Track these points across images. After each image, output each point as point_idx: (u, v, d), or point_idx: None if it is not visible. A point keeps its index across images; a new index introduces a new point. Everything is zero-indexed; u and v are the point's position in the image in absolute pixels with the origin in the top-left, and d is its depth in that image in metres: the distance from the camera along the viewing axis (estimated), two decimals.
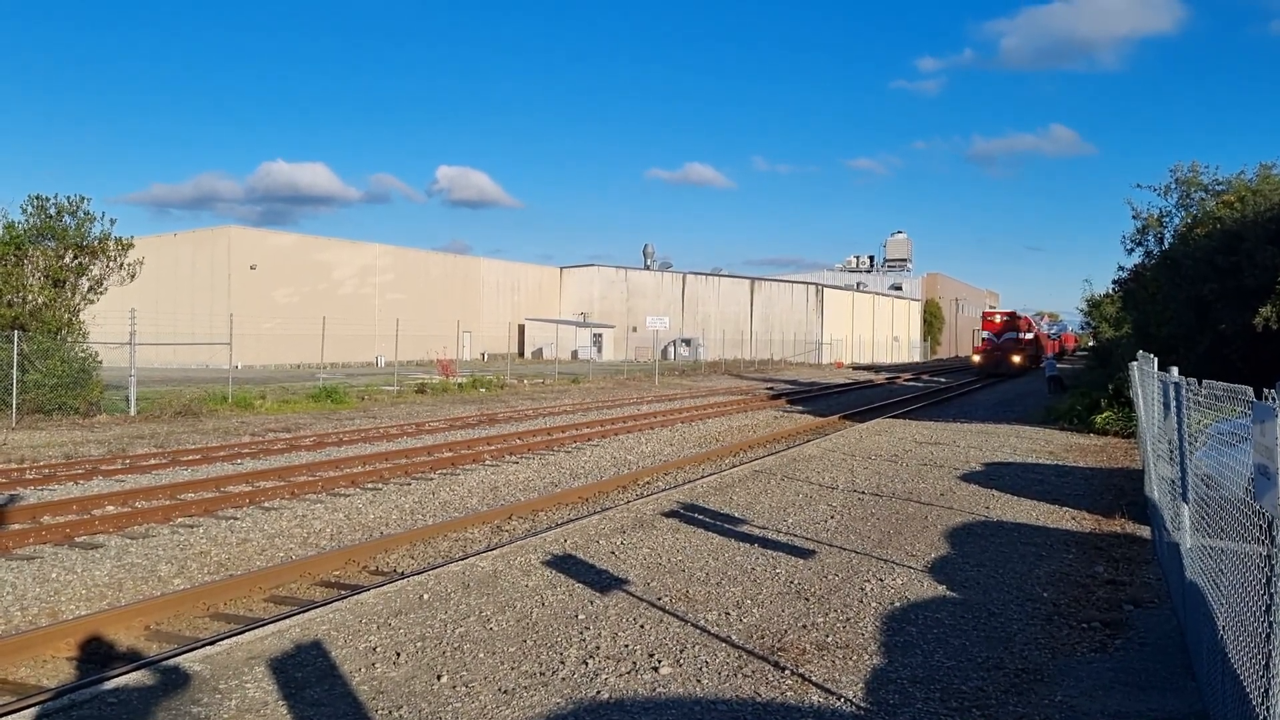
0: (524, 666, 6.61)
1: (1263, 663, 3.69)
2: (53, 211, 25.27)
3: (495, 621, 7.64)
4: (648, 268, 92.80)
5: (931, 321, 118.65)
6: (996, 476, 15.79)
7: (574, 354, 74.85)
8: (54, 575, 9.89)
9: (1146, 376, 11.44)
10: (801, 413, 31.37)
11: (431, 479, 16.13)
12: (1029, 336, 64.45)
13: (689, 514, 12.26)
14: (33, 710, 5.77)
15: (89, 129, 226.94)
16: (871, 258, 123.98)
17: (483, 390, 38.41)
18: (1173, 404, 6.95)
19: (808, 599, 8.39)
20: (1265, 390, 3.76)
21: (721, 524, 11.67)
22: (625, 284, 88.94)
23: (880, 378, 56.29)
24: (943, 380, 54.16)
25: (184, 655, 6.75)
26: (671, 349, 79.85)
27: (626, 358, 74.90)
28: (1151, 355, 11.61)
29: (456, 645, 7.04)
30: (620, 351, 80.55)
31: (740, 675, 6.46)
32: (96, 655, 7.82)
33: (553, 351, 70.81)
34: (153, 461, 17.09)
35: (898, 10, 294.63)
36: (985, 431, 23.46)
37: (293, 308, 56.36)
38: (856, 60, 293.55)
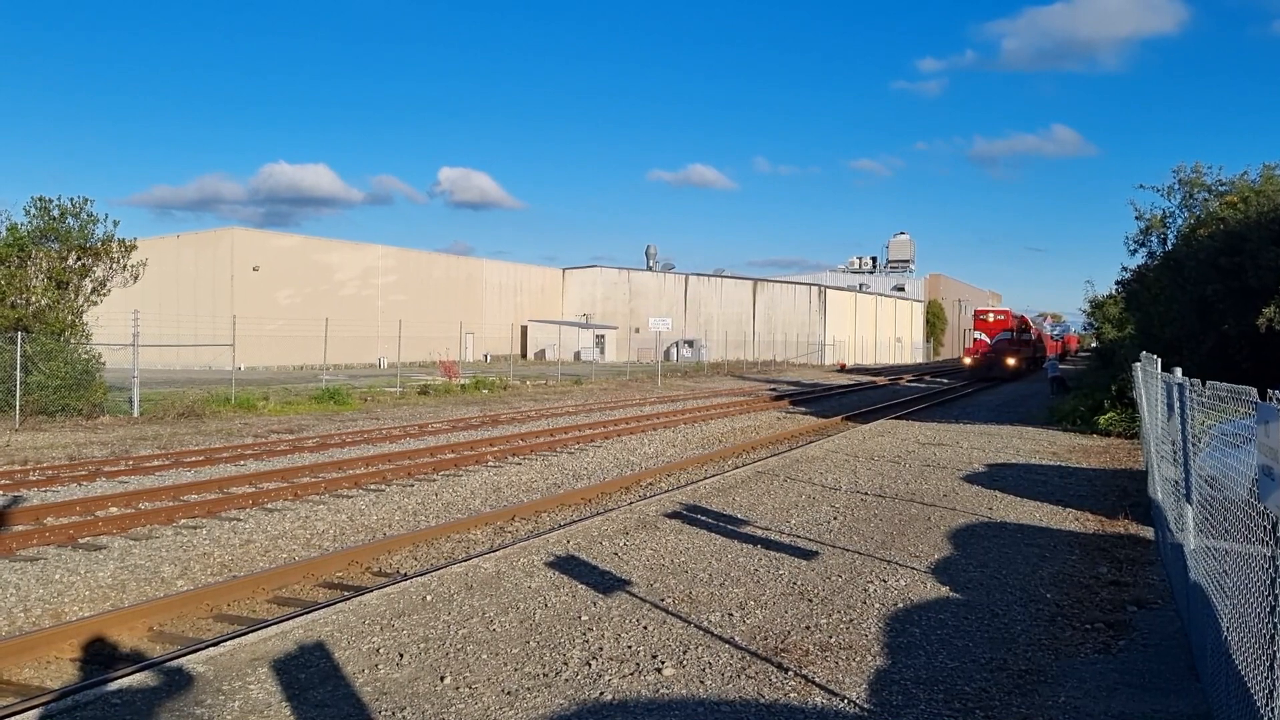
0: (527, 668, 6.61)
1: (1267, 664, 3.69)
2: (56, 213, 25.33)
3: (498, 623, 7.64)
4: (650, 269, 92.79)
5: (934, 323, 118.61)
6: (999, 477, 15.78)
7: (577, 355, 74.83)
8: (57, 576, 9.90)
9: (1150, 377, 11.43)
10: (804, 414, 31.36)
11: (434, 480, 16.13)
12: (1026, 337, 60.91)
13: (692, 515, 12.26)
14: (37, 711, 5.78)
15: (92, 131, 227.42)
16: (874, 259, 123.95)
17: (485, 391, 38.42)
18: (1176, 405, 6.94)
19: (811, 600, 8.39)
20: (1269, 391, 3.76)
21: (724, 525, 11.66)
22: (628, 285, 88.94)
23: (883, 379, 56.21)
24: (945, 381, 54.13)
25: (187, 656, 6.76)
26: (674, 350, 79.84)
27: (629, 359, 74.92)
28: (1155, 356, 11.62)
29: (460, 646, 7.04)
30: (623, 353, 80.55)
31: (744, 676, 6.45)
32: (100, 656, 7.83)
33: (555, 353, 70.82)
34: (156, 463, 17.10)
35: (899, 11, 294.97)
36: (988, 433, 23.44)
37: (295, 309, 56.37)
38: (858, 61, 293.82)
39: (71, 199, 25.73)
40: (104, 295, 26.04)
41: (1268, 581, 3.69)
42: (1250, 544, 4.25)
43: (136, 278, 26.42)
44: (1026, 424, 25.74)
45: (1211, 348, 21.19)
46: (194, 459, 17.48)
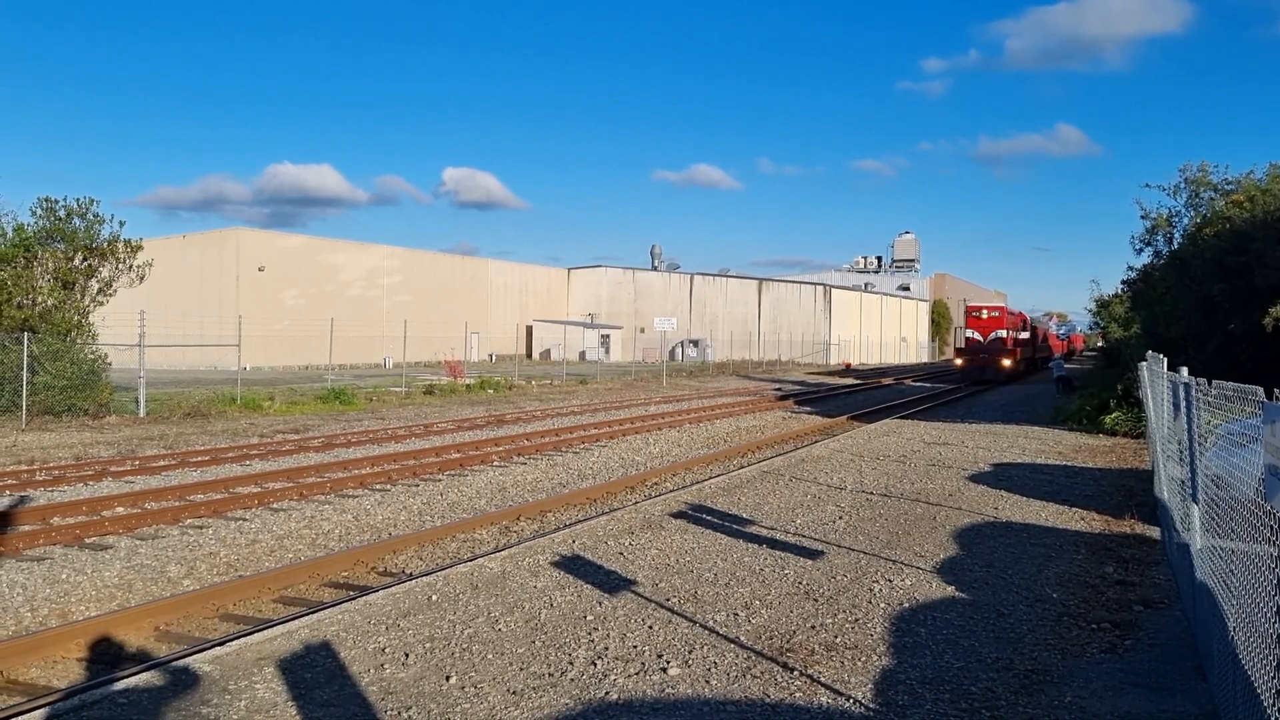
0: (532, 667, 6.62)
1: (1274, 664, 3.68)
2: (62, 214, 25.39)
3: (504, 622, 7.65)
4: (655, 269, 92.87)
5: (939, 322, 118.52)
6: (1005, 477, 15.75)
7: (582, 355, 74.89)
8: (64, 576, 9.92)
9: (1156, 377, 11.42)
10: (809, 413, 31.35)
11: (440, 480, 16.15)
12: (1024, 336, 54.68)
13: (697, 515, 12.26)
14: (43, 711, 5.79)
15: (97, 132, 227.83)
16: (879, 258, 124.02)
17: (490, 391, 38.46)
18: (1182, 404, 6.93)
19: (816, 600, 8.38)
20: (1275, 390, 3.75)
21: (730, 525, 11.66)
22: (633, 285, 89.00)
23: (888, 378, 56.15)
24: (951, 381, 54.01)
25: (193, 656, 6.77)
26: (679, 350, 79.87)
27: (634, 359, 74.99)
28: (1161, 355, 11.60)
29: (465, 646, 7.05)
30: (628, 352, 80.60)
31: (749, 676, 6.45)
32: (106, 656, 7.85)
33: (560, 352, 70.87)
34: (162, 463, 17.14)
35: (903, 12, 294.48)
36: (993, 432, 23.41)
37: (300, 309, 56.48)
38: (862, 62, 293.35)
39: (77, 199, 25.84)
40: (110, 296, 26.09)
41: (1274, 581, 3.68)
42: (1257, 543, 4.25)
43: (142, 278, 26.47)
44: (1032, 424, 25.69)
45: (1217, 347, 21.15)
46: (200, 459, 17.52)
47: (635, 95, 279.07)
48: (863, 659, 6.83)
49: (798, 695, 6.12)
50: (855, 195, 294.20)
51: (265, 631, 7.36)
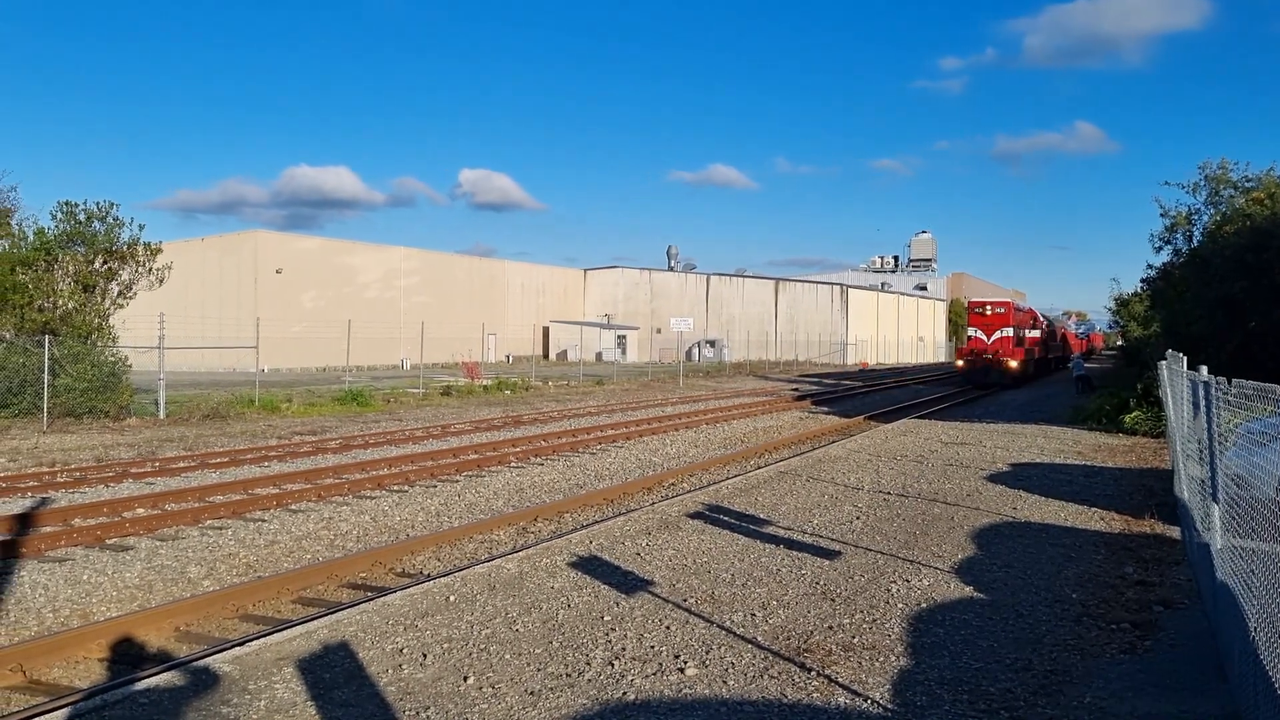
0: (550, 668, 6.63)
1: None
2: (82, 217, 25.58)
3: (521, 623, 7.66)
4: (671, 269, 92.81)
5: (957, 322, 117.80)
6: (1024, 477, 15.68)
7: (598, 356, 74.93)
8: (85, 577, 10.00)
9: (1175, 375, 11.34)
10: (827, 414, 31.27)
11: (457, 481, 16.19)
12: (1034, 334, 49.59)
13: (714, 515, 12.25)
14: (65, 711, 5.84)
15: (117, 136, 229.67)
16: (896, 258, 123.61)
17: (508, 392, 38.52)
18: (1202, 403, 6.88)
19: (834, 600, 8.37)
20: None
21: (747, 525, 11.65)
22: (649, 285, 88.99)
23: (906, 378, 55.94)
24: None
25: (213, 656, 6.82)
26: (696, 350, 79.79)
27: (651, 359, 74.99)
28: (1180, 354, 11.51)
29: (483, 647, 7.07)
30: (644, 353, 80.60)
31: (766, 676, 6.45)
32: (128, 656, 7.90)
33: (577, 353, 70.94)
34: (182, 464, 17.25)
35: (919, 10, 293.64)
36: (1012, 432, 23.30)
37: (318, 311, 56.75)
38: (878, 61, 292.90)
39: (97, 203, 26.02)
40: (130, 298, 26.27)
41: None
42: (1278, 543, 4.22)
43: (162, 281, 26.65)
44: (1051, 423, 25.55)
45: (1238, 345, 21.00)
46: (219, 460, 17.62)
47: (650, 96, 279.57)
48: (880, 659, 6.81)
49: (815, 696, 6.11)
50: (872, 194, 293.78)
51: (284, 632, 7.39)
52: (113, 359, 25.34)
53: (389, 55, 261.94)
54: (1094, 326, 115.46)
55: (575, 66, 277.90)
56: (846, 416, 29.84)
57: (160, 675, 6.41)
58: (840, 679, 6.39)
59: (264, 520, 12.81)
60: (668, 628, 7.54)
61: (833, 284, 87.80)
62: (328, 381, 41.00)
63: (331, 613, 8.06)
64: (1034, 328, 49.59)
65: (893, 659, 6.82)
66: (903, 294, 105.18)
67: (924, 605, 8.21)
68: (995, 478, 15.67)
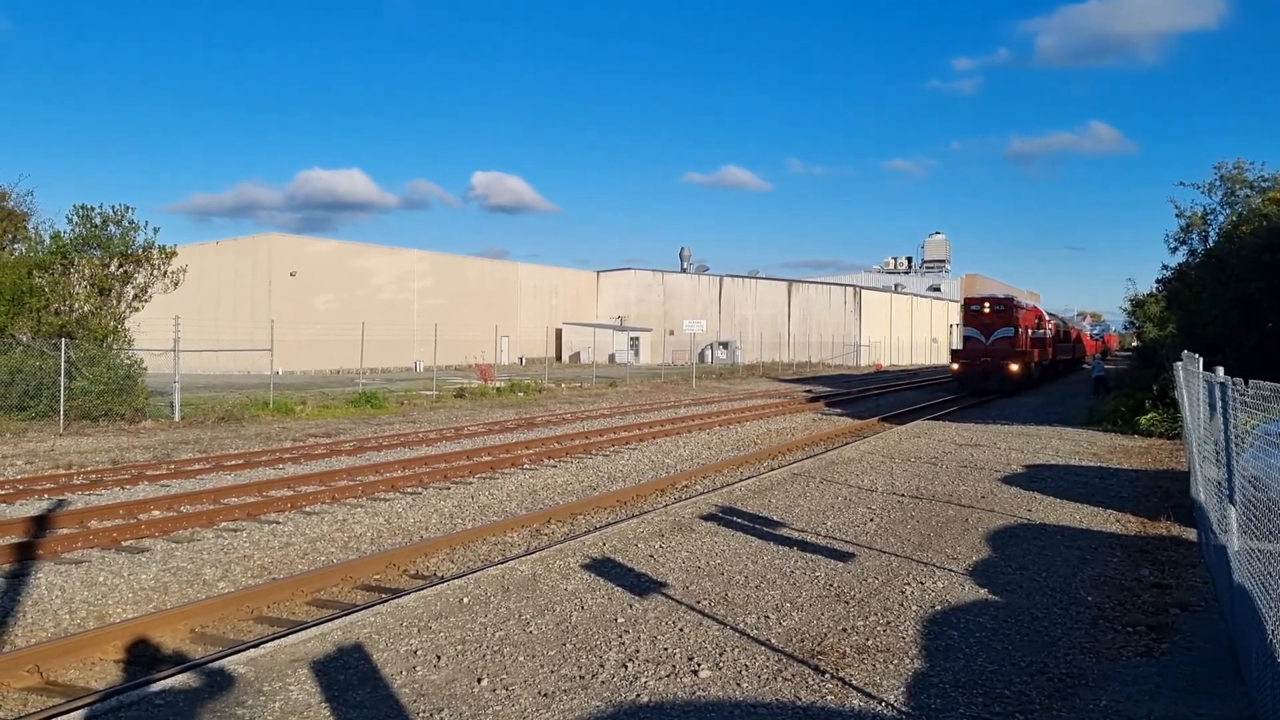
0: (563, 670, 6.63)
1: None
2: (98, 221, 25.71)
3: (534, 625, 7.67)
4: (684, 271, 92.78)
5: None
6: (1038, 479, 15.61)
7: (611, 358, 74.95)
8: (101, 579, 10.05)
9: (1192, 376, 11.27)
10: (840, 415, 31.20)
11: (470, 483, 16.21)
12: (1040, 334, 45.36)
13: (727, 517, 12.24)
14: (81, 712, 5.87)
15: (132, 140, 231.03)
16: (909, 259, 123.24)
17: (520, 394, 38.57)
18: (1219, 404, 6.84)
19: (847, 602, 8.34)
20: None
21: (760, 527, 11.63)
22: (662, 287, 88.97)
23: (920, 380, 55.75)
24: None
25: (228, 658, 6.84)
26: (709, 352, 79.73)
27: (663, 361, 74.92)
28: (1196, 355, 11.44)
29: (496, 648, 7.08)
30: (657, 355, 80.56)
31: (780, 678, 6.43)
32: (143, 658, 7.94)
33: (590, 355, 70.98)
34: (197, 466, 17.32)
35: (932, 10, 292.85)
36: (1026, 433, 23.20)
37: (332, 314, 56.95)
38: (891, 61, 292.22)
39: (113, 207, 26.12)
40: (145, 301, 26.39)
41: None
42: None
43: (177, 284, 26.76)
44: (1066, 425, 25.42)
45: (1255, 346, 20.87)
46: (234, 462, 17.69)
47: (663, 98, 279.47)
48: (895, 662, 6.79)
49: (829, 698, 6.09)
50: (885, 195, 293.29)
51: (299, 634, 7.42)
52: (128, 362, 25.46)
53: (402, 58, 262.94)
54: (1109, 327, 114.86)
55: (588, 68, 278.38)
56: (860, 418, 29.77)
57: (176, 677, 6.44)
58: (854, 681, 6.37)
59: (278, 522, 12.85)
60: (681, 630, 7.53)
61: (846, 285, 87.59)
62: (342, 384, 41.13)
63: (346, 614, 8.08)
64: (1040, 327, 45.87)
65: (907, 661, 6.80)
66: (916, 295, 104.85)
67: (938, 607, 8.18)
68: (1010, 479, 15.60)
